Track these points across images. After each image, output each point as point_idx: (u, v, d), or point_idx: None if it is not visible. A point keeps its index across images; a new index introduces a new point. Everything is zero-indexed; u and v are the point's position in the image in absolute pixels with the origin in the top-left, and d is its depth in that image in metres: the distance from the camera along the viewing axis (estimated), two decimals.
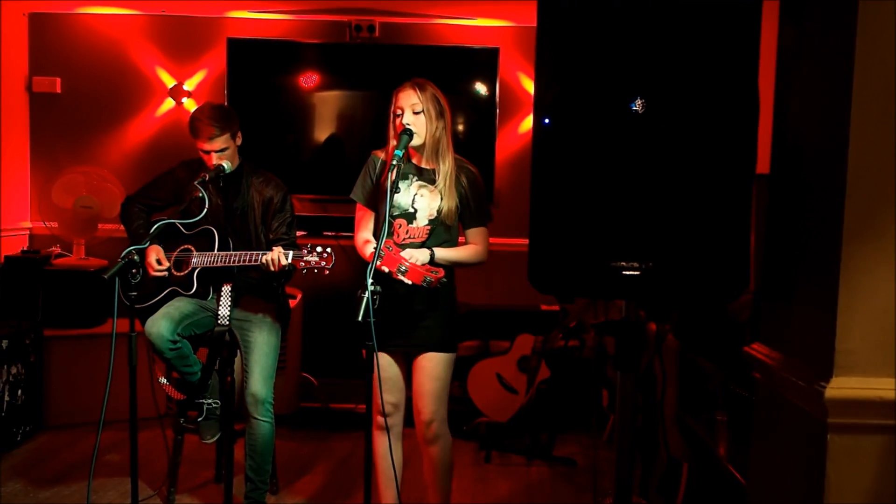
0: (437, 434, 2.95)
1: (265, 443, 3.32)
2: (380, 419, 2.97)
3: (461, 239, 3.00)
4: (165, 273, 3.34)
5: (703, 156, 2.11)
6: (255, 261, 3.12)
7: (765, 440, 2.23)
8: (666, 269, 2.13)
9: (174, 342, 3.23)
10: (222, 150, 3.26)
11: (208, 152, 3.25)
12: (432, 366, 2.92)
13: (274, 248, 3.08)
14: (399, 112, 2.83)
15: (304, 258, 2.99)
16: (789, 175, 2.18)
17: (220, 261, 3.23)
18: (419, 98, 2.82)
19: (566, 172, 2.12)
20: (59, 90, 5.23)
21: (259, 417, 3.29)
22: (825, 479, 1.82)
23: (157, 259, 3.33)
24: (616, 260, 2.11)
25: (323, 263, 2.98)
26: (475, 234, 2.96)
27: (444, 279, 2.71)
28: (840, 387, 1.81)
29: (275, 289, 3.44)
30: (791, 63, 2.18)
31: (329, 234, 5.03)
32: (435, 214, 2.87)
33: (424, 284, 2.67)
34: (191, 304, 3.36)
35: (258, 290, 3.40)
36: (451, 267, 2.90)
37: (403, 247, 2.83)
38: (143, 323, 3.27)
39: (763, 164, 2.29)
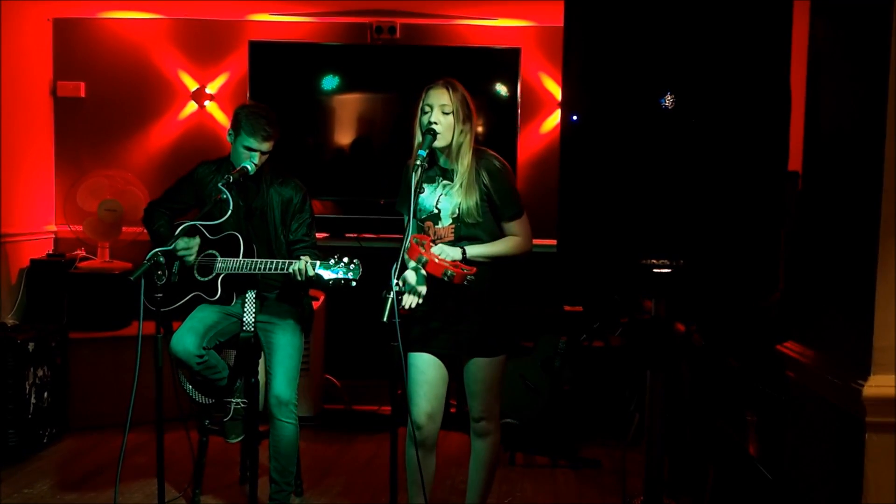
0: (486, 430, 2.96)
1: (289, 444, 3.31)
2: (411, 430, 2.91)
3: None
4: (195, 249, 3.30)
5: (733, 151, 2.08)
6: (282, 269, 3.10)
7: (799, 439, 2.20)
8: (696, 267, 2.10)
9: (201, 357, 3.24)
10: (266, 153, 3.25)
11: (255, 152, 3.23)
12: (476, 370, 2.90)
13: (302, 257, 3.06)
14: (427, 110, 2.80)
15: (329, 275, 2.96)
16: (822, 170, 2.14)
17: (246, 268, 3.20)
18: (450, 98, 2.77)
19: (595, 169, 2.10)
20: (83, 94, 5.27)
21: (283, 419, 3.28)
22: (863, 479, 1.78)
23: (185, 245, 3.26)
24: (646, 258, 2.08)
25: (350, 275, 2.96)
26: (509, 227, 2.88)
27: (472, 277, 2.68)
28: (879, 385, 1.78)
29: (298, 291, 3.43)
30: (823, 56, 2.15)
31: (351, 235, 5.03)
32: (456, 212, 2.85)
33: (445, 279, 2.64)
34: (214, 313, 3.35)
35: (281, 292, 3.39)
36: (490, 263, 2.83)
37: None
38: (167, 325, 3.26)
39: (794, 161, 2.25)
